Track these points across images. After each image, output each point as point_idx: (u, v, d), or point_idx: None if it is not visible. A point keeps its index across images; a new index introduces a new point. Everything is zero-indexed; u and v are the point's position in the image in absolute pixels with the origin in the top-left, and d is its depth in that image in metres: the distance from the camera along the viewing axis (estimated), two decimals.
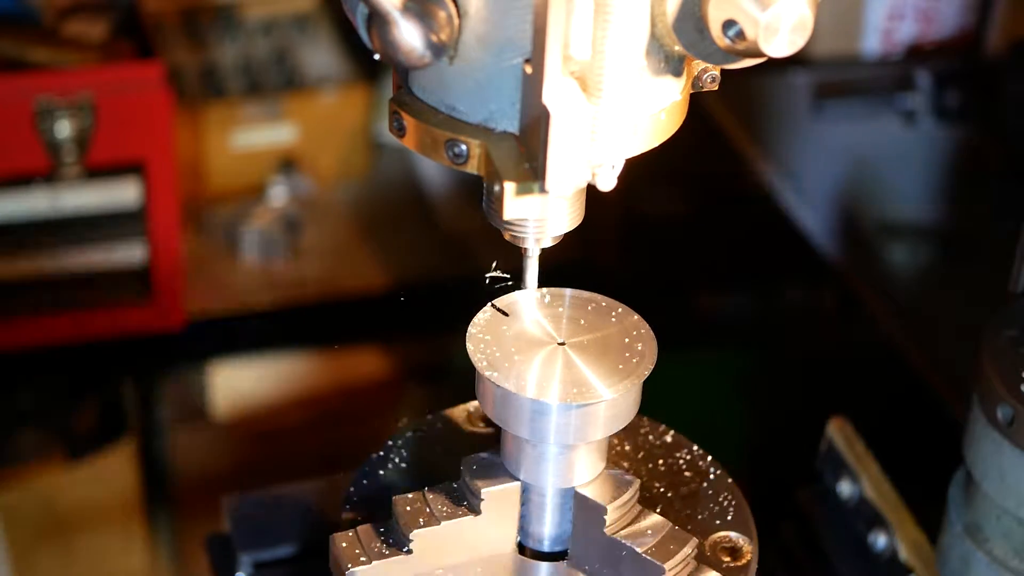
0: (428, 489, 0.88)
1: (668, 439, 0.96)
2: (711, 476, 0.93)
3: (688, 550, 0.85)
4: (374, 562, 0.85)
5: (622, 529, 0.85)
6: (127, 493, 1.77)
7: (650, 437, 0.96)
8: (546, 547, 0.89)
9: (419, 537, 0.85)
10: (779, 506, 1.17)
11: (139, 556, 1.72)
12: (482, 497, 0.86)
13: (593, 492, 0.86)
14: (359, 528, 0.87)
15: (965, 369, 1.04)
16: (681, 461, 0.94)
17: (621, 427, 0.85)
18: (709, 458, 0.94)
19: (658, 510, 0.89)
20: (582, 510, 0.86)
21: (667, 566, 0.84)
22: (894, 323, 1.51)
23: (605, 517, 0.85)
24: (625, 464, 0.94)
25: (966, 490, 1.02)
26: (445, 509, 0.86)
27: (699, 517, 0.91)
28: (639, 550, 0.84)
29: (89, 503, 1.73)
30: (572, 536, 0.88)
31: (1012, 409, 0.94)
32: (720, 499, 0.92)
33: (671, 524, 0.86)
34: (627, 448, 0.95)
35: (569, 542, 0.88)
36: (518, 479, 0.87)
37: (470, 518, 0.86)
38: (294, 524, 1.04)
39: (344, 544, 0.86)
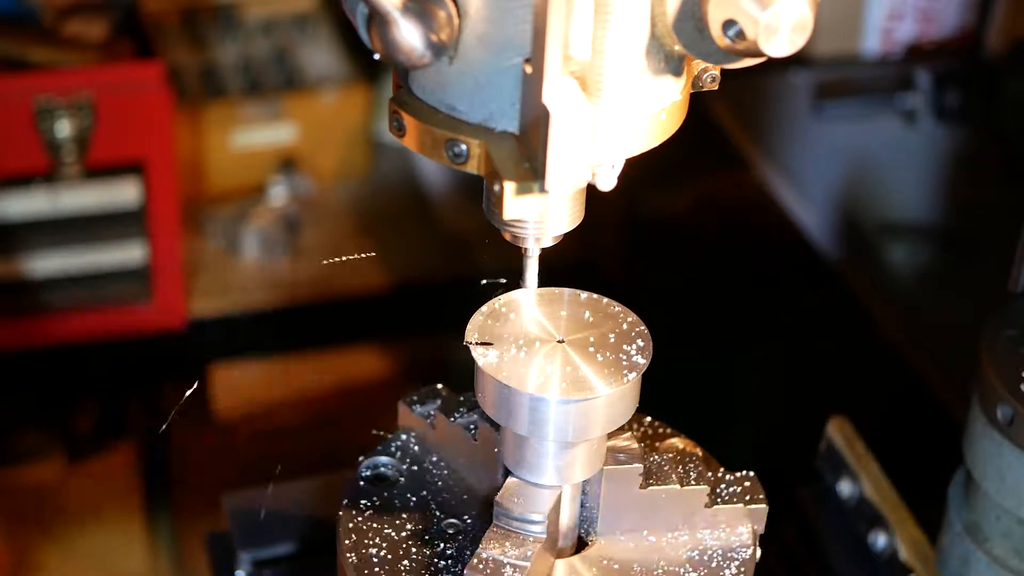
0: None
1: (679, 446, 0.96)
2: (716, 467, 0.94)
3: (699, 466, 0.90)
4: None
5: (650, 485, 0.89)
6: (127, 493, 1.77)
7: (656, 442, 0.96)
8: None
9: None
10: (779, 506, 1.17)
11: (139, 555, 1.72)
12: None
13: (619, 460, 0.88)
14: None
15: (965, 369, 1.04)
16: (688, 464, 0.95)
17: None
18: (721, 471, 0.94)
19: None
20: (612, 482, 0.89)
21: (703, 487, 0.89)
22: (894, 323, 1.51)
23: (640, 476, 0.88)
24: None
25: (966, 490, 1.02)
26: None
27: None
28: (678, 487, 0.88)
29: (89, 503, 1.73)
30: (600, 518, 0.90)
31: (1012, 409, 0.95)
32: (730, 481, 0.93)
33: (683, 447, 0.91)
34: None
35: (594, 530, 0.90)
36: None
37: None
38: (293, 522, 1.04)
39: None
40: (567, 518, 0.89)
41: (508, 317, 0.87)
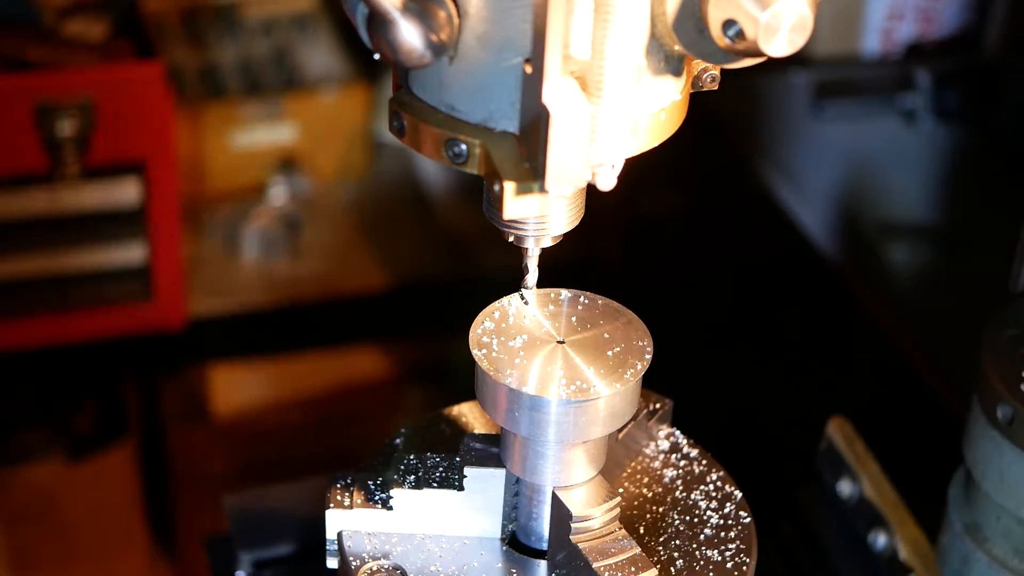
0: (430, 455, 0.89)
1: (702, 461, 0.96)
2: (729, 510, 0.93)
3: None
4: (355, 509, 0.87)
5: (588, 541, 0.85)
6: (127, 493, 1.77)
7: (681, 453, 0.96)
8: (544, 545, 0.89)
9: (400, 496, 0.87)
10: (779, 506, 1.17)
11: (139, 556, 1.72)
12: (465, 475, 0.87)
13: (571, 496, 0.86)
14: (357, 475, 0.89)
15: (965, 369, 1.04)
16: (706, 487, 0.94)
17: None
18: (738, 495, 0.94)
19: (661, 534, 0.90)
20: (556, 512, 0.87)
21: None
22: (894, 323, 1.51)
23: (572, 524, 0.85)
24: (644, 479, 0.94)
25: (966, 490, 1.02)
26: (435, 477, 0.88)
27: (702, 536, 0.90)
28: (593, 564, 0.84)
29: (89, 503, 1.73)
30: (549, 535, 0.88)
31: (1012, 409, 0.95)
32: (728, 531, 0.91)
33: (639, 549, 0.85)
34: (652, 464, 0.95)
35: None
36: (505, 468, 0.88)
37: (453, 492, 0.88)
38: (294, 523, 1.04)
39: (338, 486, 0.88)
40: (545, 522, 0.89)
41: (509, 318, 0.87)
